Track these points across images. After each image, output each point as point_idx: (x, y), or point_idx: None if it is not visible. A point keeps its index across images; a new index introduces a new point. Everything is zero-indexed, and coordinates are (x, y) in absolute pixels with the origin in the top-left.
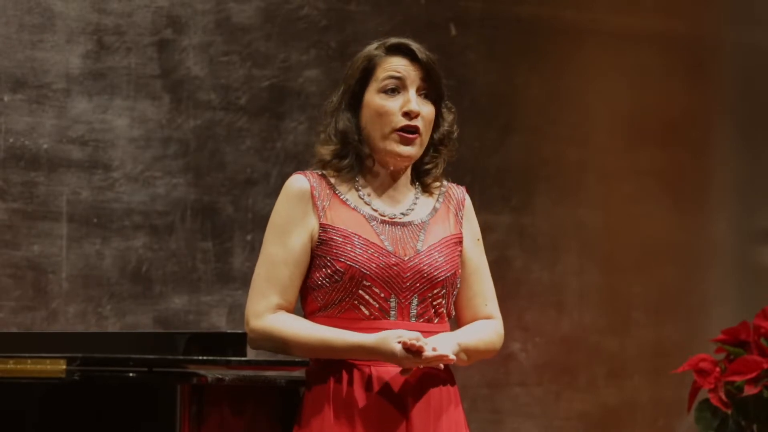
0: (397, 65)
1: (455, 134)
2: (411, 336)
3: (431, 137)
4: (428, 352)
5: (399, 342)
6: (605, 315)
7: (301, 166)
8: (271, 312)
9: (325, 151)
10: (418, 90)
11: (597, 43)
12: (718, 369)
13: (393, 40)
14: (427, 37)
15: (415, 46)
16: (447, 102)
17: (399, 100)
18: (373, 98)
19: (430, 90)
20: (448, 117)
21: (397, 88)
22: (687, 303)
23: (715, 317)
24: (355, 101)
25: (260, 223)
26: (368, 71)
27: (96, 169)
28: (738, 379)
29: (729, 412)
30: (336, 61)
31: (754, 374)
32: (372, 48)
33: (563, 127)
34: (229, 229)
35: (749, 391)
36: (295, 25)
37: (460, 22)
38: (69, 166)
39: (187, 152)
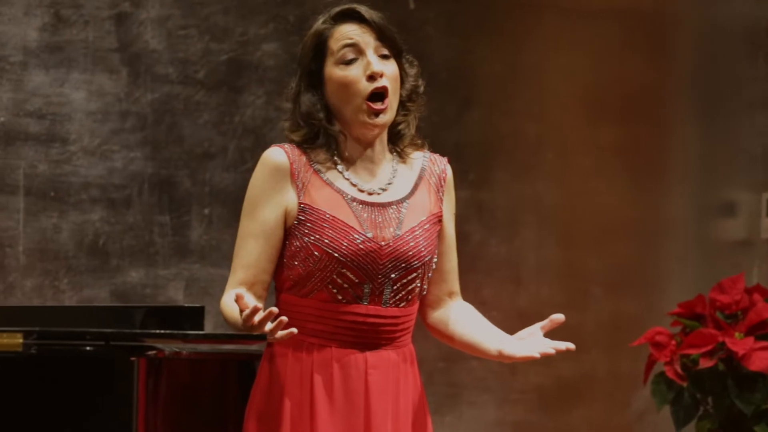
0: (348, 32)
1: (422, 88)
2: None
3: (399, 96)
4: (522, 352)
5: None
6: (563, 289)
7: (258, 140)
8: (232, 287)
9: (296, 137)
10: (375, 51)
11: (556, 18)
12: (673, 342)
13: (337, 8)
14: (386, 11)
15: (361, 8)
16: (408, 56)
17: (359, 66)
18: (333, 71)
19: (387, 48)
20: (412, 71)
21: (354, 56)
22: (644, 277)
23: (672, 292)
24: (315, 80)
25: (218, 196)
26: (321, 46)
27: (53, 143)
28: (693, 352)
29: (684, 385)
30: (294, 36)
31: (709, 347)
32: (319, 23)
33: (522, 102)
34: (186, 203)
35: (704, 364)
36: None
37: None
38: (26, 139)
39: (144, 126)
